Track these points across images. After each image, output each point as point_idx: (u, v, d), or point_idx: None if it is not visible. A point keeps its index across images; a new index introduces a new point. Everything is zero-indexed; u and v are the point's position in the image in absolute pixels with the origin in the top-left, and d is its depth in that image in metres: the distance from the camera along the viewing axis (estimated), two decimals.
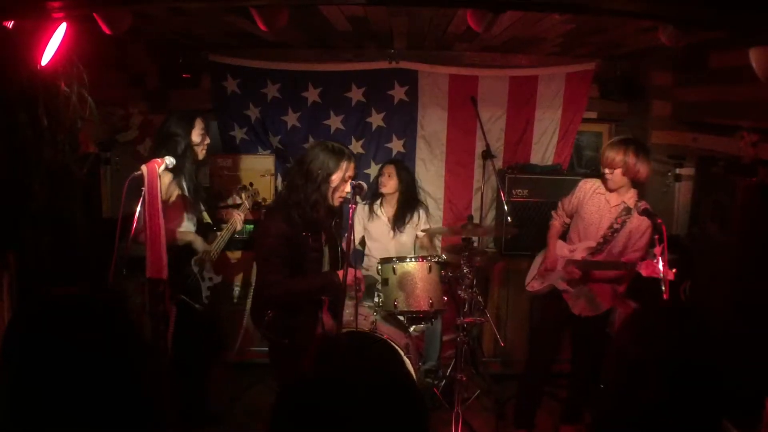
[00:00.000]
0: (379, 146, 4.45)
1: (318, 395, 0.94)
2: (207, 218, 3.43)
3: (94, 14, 2.21)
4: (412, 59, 4.28)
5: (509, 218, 3.72)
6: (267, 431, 0.96)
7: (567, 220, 3.46)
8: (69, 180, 2.76)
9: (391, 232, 4.05)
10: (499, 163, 4.34)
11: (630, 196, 3.17)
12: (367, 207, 4.13)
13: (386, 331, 3.34)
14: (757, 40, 2.23)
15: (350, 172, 2.83)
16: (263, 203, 3.85)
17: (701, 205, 3.81)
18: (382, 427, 0.91)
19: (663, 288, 2.70)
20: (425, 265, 3.34)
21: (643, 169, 3.08)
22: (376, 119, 4.40)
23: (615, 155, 3.08)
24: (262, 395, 3.90)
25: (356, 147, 4.39)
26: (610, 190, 3.20)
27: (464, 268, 3.39)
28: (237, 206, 3.52)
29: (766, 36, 2.18)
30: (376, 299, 3.47)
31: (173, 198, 3.10)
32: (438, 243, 4.44)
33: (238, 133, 4.39)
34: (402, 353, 3.19)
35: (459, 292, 3.44)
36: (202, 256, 3.22)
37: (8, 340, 1.11)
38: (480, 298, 3.64)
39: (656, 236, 2.74)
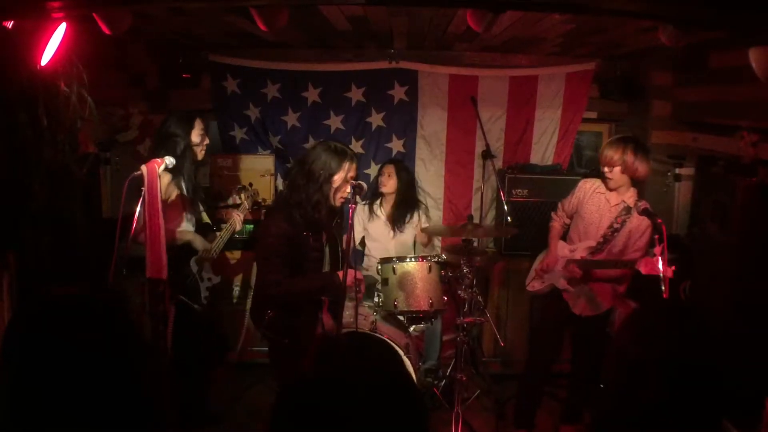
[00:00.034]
0: (379, 146, 4.45)
1: (318, 395, 0.94)
2: (206, 218, 3.43)
3: (94, 14, 2.21)
4: (412, 59, 4.28)
5: (509, 218, 3.72)
6: (267, 431, 0.96)
7: (567, 221, 3.46)
8: (69, 180, 2.75)
9: (391, 232, 4.05)
10: (499, 163, 4.34)
11: (630, 196, 3.17)
12: (366, 207, 4.13)
13: (386, 331, 3.34)
14: (757, 40, 2.23)
15: (352, 173, 2.83)
16: (263, 203, 3.85)
17: (701, 205, 3.81)
18: (382, 427, 0.92)
19: (663, 288, 2.71)
20: (425, 265, 3.35)
21: (641, 166, 3.08)
22: (376, 119, 4.40)
23: (614, 153, 3.09)
24: (263, 395, 3.89)
25: (356, 147, 4.39)
26: (610, 190, 3.20)
27: (464, 268, 3.38)
28: (236, 206, 3.52)
29: (766, 36, 2.18)
30: (376, 299, 3.47)
31: (172, 198, 3.10)
32: (438, 243, 4.44)
33: (238, 133, 4.39)
34: (402, 353, 3.19)
35: (459, 292, 3.44)
36: (202, 255, 3.22)
37: (8, 340, 1.11)
38: (480, 298, 3.64)
39: (656, 236, 2.74)
